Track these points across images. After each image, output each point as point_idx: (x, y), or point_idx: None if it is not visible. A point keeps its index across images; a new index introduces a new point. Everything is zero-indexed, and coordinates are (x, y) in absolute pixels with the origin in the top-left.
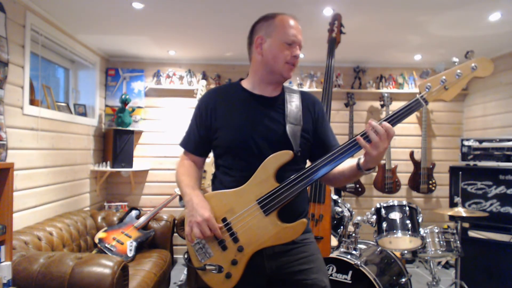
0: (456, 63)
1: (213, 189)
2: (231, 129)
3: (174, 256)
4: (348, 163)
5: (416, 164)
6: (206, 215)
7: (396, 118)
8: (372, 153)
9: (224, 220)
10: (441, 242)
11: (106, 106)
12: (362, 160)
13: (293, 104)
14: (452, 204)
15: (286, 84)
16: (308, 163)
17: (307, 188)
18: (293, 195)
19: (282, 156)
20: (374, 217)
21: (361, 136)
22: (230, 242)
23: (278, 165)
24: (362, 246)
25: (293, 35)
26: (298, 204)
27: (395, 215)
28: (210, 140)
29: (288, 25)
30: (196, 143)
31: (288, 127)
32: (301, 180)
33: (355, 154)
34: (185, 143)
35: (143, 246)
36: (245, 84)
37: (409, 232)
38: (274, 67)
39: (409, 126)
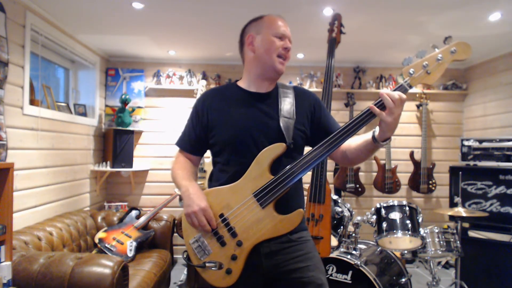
0: (436, 50)
1: (209, 187)
2: (228, 126)
3: (174, 256)
4: (362, 139)
5: (416, 164)
6: (203, 204)
7: (382, 104)
8: (388, 119)
9: (221, 216)
10: (441, 242)
11: (106, 106)
12: (377, 132)
13: (287, 99)
14: (452, 204)
15: (280, 81)
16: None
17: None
18: (288, 186)
19: (275, 149)
20: (374, 217)
21: (375, 105)
22: (228, 238)
23: (272, 158)
24: (362, 246)
25: (282, 30)
26: (294, 199)
27: (395, 215)
28: (206, 139)
29: (276, 21)
30: (192, 142)
31: (282, 121)
32: (295, 170)
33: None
34: (180, 142)
35: (143, 246)
36: (241, 84)
37: (409, 232)
38: (267, 60)
39: (409, 126)
